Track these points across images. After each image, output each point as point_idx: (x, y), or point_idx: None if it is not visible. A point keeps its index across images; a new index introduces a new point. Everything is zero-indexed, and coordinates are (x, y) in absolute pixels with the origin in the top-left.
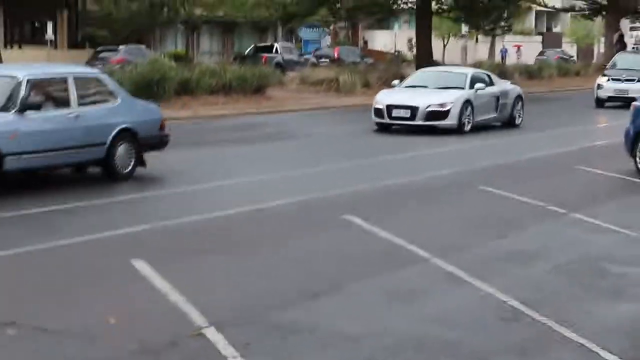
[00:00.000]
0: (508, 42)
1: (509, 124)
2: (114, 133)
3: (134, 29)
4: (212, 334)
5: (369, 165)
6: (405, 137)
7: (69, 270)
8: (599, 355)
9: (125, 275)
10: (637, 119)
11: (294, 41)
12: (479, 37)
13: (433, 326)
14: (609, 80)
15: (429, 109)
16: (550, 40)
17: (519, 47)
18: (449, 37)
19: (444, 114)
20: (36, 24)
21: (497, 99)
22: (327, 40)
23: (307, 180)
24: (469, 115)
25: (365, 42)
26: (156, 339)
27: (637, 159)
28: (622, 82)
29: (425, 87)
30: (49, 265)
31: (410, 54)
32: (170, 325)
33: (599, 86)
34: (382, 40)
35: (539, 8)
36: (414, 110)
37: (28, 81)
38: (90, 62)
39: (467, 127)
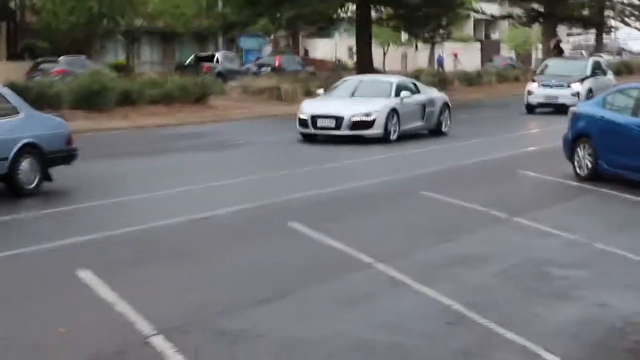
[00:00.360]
0: (447, 49)
1: (436, 132)
2: (16, 148)
3: (74, 40)
4: (160, 342)
5: (312, 172)
6: (346, 145)
7: (13, 282)
8: (541, 357)
9: (72, 286)
10: (575, 125)
11: (234, 50)
12: (419, 44)
13: (380, 331)
14: (539, 86)
15: (355, 118)
16: (489, 47)
17: (456, 54)
18: (389, 45)
19: (369, 123)
20: None
21: (424, 107)
22: (268, 49)
23: (251, 188)
24: (395, 124)
25: (306, 51)
26: (105, 349)
27: (576, 163)
28: (552, 87)
29: (350, 96)
30: None
31: (351, 62)
32: (118, 334)
33: (529, 92)
34: (323, 48)
35: (477, 16)
36: (339, 120)
37: None
38: (30, 74)
39: (394, 136)
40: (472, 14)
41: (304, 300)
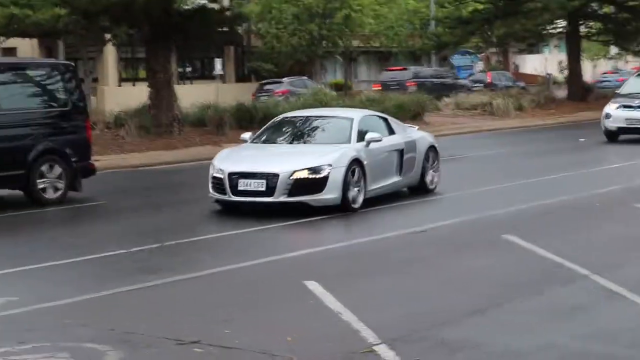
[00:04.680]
0: None
1: (419, 188)
2: None
3: (296, 61)
4: (383, 351)
5: (528, 185)
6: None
7: (247, 291)
8: None
9: (299, 296)
10: None
11: (447, 68)
12: (629, 57)
13: (595, 342)
14: (618, 107)
15: (296, 176)
16: None
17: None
18: (598, 58)
19: (318, 184)
20: (205, 61)
21: (401, 154)
22: (479, 65)
23: (466, 202)
24: (359, 183)
25: (517, 66)
26: (331, 357)
27: None
28: (635, 109)
29: (290, 142)
30: (227, 287)
31: (561, 77)
32: (344, 343)
33: (607, 115)
34: (533, 63)
35: None
36: (271, 180)
37: None
38: (256, 94)
39: (357, 202)
40: None
41: (518, 310)
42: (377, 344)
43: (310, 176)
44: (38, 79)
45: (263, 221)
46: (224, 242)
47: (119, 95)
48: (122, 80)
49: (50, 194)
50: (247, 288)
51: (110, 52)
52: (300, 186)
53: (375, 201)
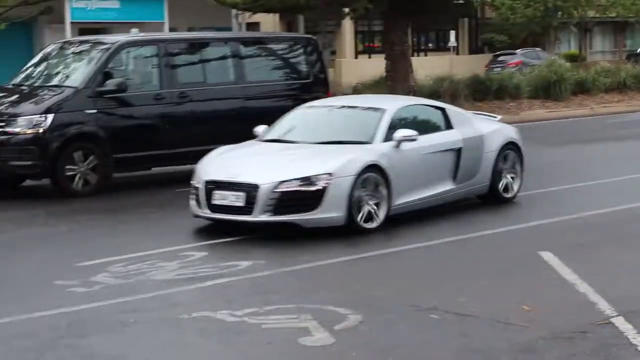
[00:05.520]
0: None
1: (490, 197)
2: None
3: (530, 33)
4: (620, 323)
5: None
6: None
7: (482, 260)
8: None
9: (534, 266)
10: None
11: None
12: None
13: None
14: None
15: (282, 188)
16: None
17: None
18: None
19: (313, 199)
20: (440, 33)
21: (457, 155)
22: None
23: None
24: (375, 196)
25: None
26: (568, 327)
27: None
28: None
29: (302, 140)
30: (461, 255)
31: None
32: (580, 314)
33: None
34: None
35: None
36: (250, 192)
37: None
38: (489, 66)
39: (374, 221)
40: None
41: None
42: (614, 317)
43: (302, 188)
44: (281, 52)
45: None
46: (461, 212)
47: (356, 67)
48: (358, 53)
49: None
50: (481, 257)
51: (347, 26)
52: (288, 202)
53: (624, 171)
